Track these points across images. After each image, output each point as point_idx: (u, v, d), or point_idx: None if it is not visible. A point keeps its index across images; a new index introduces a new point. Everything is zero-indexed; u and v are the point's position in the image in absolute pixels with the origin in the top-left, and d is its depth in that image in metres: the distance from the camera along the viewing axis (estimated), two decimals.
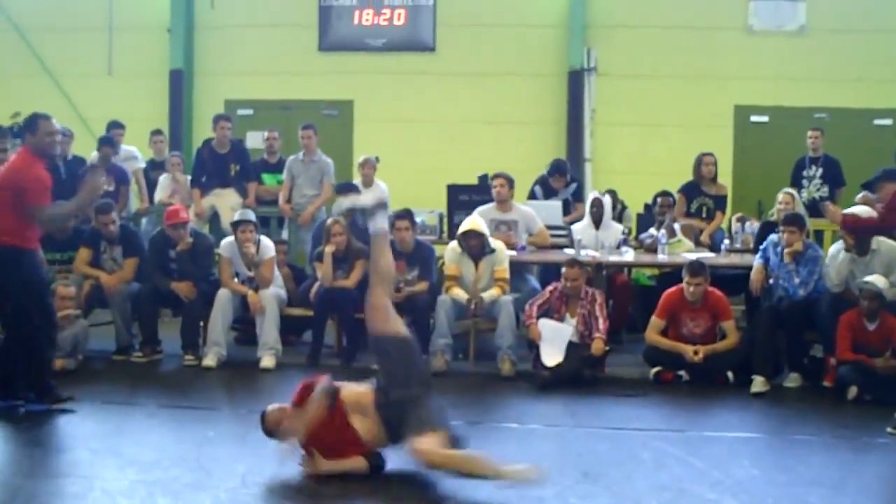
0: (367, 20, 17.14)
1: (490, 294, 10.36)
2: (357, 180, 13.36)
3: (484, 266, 10.60)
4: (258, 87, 17.19)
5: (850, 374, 9.23)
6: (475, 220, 10.73)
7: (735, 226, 12.66)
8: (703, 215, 12.66)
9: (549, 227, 12.11)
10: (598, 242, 11.77)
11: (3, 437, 7.81)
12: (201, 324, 10.70)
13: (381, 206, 7.21)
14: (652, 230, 12.05)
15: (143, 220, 13.59)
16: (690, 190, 12.71)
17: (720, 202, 12.79)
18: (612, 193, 13.79)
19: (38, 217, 8.19)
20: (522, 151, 15.98)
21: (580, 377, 9.66)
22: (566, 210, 12.72)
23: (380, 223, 7.14)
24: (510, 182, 11.74)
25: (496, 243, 10.72)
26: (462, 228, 10.61)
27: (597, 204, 12.12)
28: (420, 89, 16.95)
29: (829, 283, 9.82)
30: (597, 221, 12.04)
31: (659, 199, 12.45)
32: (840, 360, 9.39)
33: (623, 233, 12.06)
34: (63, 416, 8.17)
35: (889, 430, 8.20)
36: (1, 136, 9.49)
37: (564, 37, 16.69)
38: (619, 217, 13.94)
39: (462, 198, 11.88)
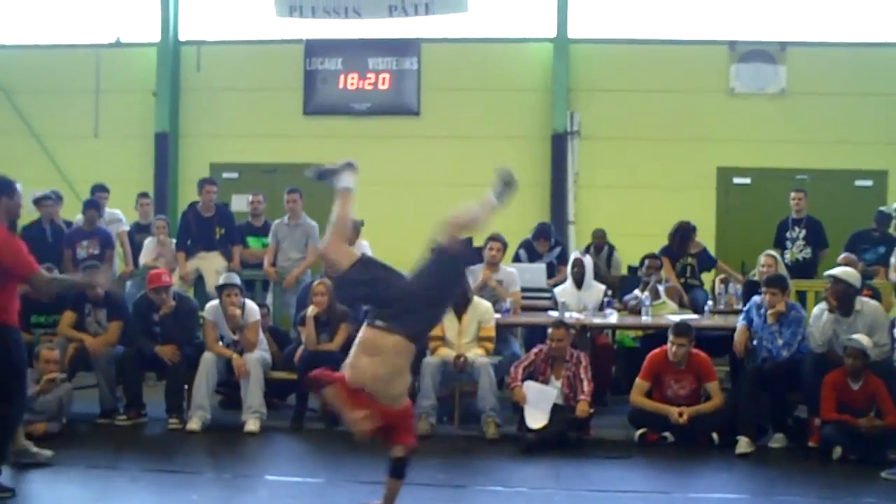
0: (352, 84, 17.26)
1: (475, 353, 10.37)
2: None
3: (467, 320, 10.63)
4: (243, 150, 17.24)
5: (835, 435, 9.24)
6: None
7: (718, 287, 12.70)
8: (688, 275, 12.76)
9: (533, 290, 12.17)
10: (580, 303, 11.81)
11: None
12: (185, 387, 10.67)
13: (350, 167, 7.24)
14: (636, 292, 12.08)
15: (128, 284, 13.58)
16: (671, 252, 12.81)
17: (701, 257, 12.96)
18: (602, 234, 13.93)
19: (36, 284, 7.87)
20: (506, 214, 15.60)
21: (565, 439, 9.64)
22: (550, 273, 12.77)
23: (346, 181, 7.40)
24: (505, 246, 11.84)
25: (483, 303, 10.78)
26: None
27: (578, 264, 12.16)
28: (404, 153, 17.01)
29: (812, 344, 9.84)
30: (578, 282, 12.07)
31: (647, 262, 12.48)
32: (824, 420, 9.40)
33: (606, 294, 12.07)
34: (46, 480, 8.13)
35: (883, 475, 8.34)
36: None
37: (547, 100, 16.81)
38: (608, 260, 14.07)
39: None
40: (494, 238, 11.87)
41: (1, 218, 7.73)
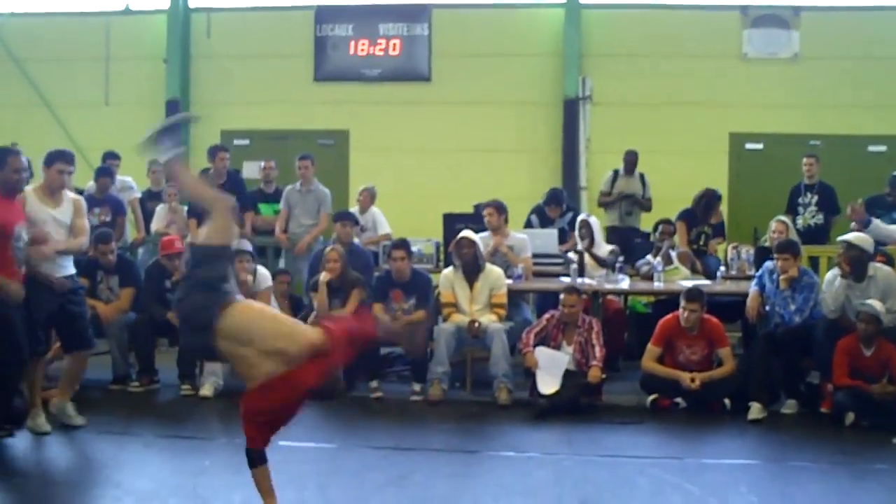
0: (362, 50, 17.21)
1: (488, 318, 10.38)
2: (354, 208, 13.44)
3: (479, 287, 10.65)
4: (254, 116, 17.23)
5: (847, 400, 9.23)
6: (467, 231, 10.98)
7: (731, 253, 12.68)
8: (702, 243, 12.73)
9: (545, 256, 12.14)
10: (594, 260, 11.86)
11: None
12: None
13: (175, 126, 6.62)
14: (649, 257, 12.05)
15: (140, 250, 13.59)
16: (691, 218, 12.76)
17: (718, 229, 12.92)
18: (633, 155, 14.25)
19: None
20: (518, 180, 16.01)
21: (577, 405, 9.65)
22: (562, 239, 12.74)
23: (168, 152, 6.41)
24: (499, 209, 11.76)
25: (495, 269, 10.79)
26: (457, 237, 10.81)
27: (585, 226, 12.20)
28: (415, 119, 17.00)
29: (825, 310, 9.81)
30: (588, 242, 12.10)
31: (660, 227, 12.45)
32: (837, 385, 9.39)
33: (615, 253, 12.03)
34: (59, 445, 8.16)
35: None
36: (69, 161, 9.34)
37: (559, 66, 16.76)
38: (641, 180, 14.37)
39: (458, 226, 11.84)
40: (487, 205, 11.84)
41: None
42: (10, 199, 8.13)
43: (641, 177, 14.37)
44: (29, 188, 8.71)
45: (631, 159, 14.32)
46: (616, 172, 14.42)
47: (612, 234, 13.90)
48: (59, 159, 8.70)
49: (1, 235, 7.94)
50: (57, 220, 8.64)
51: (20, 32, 17.82)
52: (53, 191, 8.69)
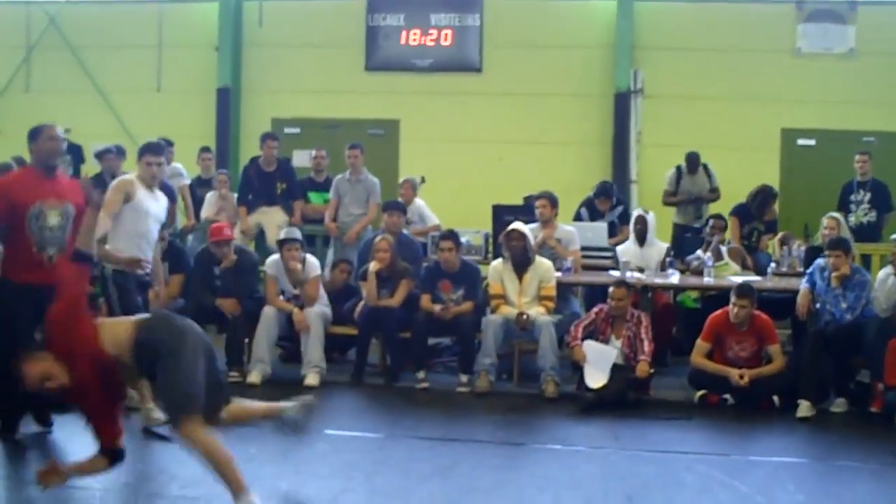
0: (413, 40, 17.20)
1: (536, 311, 10.36)
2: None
3: (528, 279, 10.61)
4: (305, 105, 17.28)
5: None
6: (517, 223, 10.91)
7: (781, 250, 12.59)
8: (753, 239, 12.65)
9: (595, 249, 12.10)
10: (642, 260, 11.75)
11: (45, 450, 7.86)
12: (246, 341, 10.73)
13: None
14: (699, 252, 11.97)
15: (189, 237, 13.66)
16: (744, 214, 12.68)
17: (771, 226, 12.83)
18: (695, 154, 14.04)
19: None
20: (568, 172, 15.95)
21: (624, 399, 9.60)
22: (612, 232, 12.69)
23: None
24: (552, 202, 11.70)
25: (545, 262, 10.75)
26: (507, 229, 10.76)
27: (640, 221, 12.09)
28: (466, 110, 16.96)
29: (877, 308, 9.71)
30: (640, 239, 12.02)
31: (711, 221, 12.40)
32: (888, 385, 9.28)
33: (669, 253, 11.95)
34: None
35: None
36: (157, 153, 9.34)
37: (611, 58, 16.67)
38: (706, 173, 14.18)
39: (507, 218, 11.80)
40: (540, 196, 11.78)
41: (34, 163, 8.04)
42: (46, 176, 7.99)
43: (706, 168, 14.18)
44: (131, 176, 8.92)
45: (693, 159, 14.11)
46: (679, 170, 14.22)
47: (677, 229, 13.86)
48: (147, 152, 8.89)
49: (13, 214, 7.81)
50: (155, 215, 8.92)
51: (75, 20, 17.96)
52: (147, 183, 8.87)
